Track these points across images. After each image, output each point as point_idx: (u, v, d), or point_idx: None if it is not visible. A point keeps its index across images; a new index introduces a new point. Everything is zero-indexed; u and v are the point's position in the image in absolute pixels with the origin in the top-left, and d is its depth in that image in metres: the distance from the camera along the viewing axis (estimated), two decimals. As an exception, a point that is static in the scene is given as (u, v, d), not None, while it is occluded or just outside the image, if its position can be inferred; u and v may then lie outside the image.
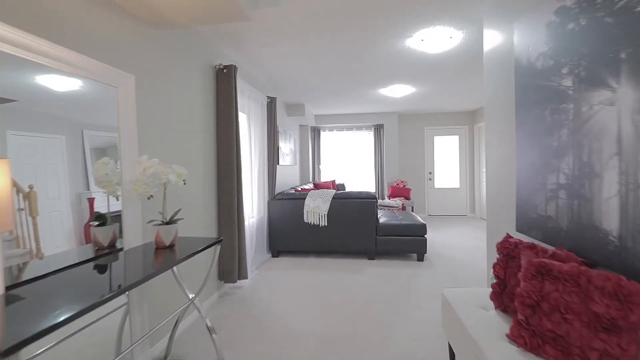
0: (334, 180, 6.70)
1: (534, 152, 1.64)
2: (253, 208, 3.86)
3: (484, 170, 5.70)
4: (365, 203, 3.97)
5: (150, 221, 1.76)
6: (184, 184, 1.87)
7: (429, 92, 5.12)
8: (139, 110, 1.92)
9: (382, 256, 4.13)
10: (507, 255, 1.55)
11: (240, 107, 3.56)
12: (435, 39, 2.87)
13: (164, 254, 1.66)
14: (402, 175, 7.39)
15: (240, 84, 3.32)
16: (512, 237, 1.62)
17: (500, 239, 2.18)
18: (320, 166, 7.38)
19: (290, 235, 4.14)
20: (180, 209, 1.86)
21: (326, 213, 3.98)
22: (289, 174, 5.90)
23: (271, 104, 4.27)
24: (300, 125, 7.16)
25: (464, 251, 4.33)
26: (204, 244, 1.82)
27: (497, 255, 1.63)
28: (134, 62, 1.92)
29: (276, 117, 4.35)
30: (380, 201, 5.90)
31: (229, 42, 2.95)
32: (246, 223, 3.38)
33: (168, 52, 2.26)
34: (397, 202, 5.65)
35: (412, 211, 6.40)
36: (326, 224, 3.99)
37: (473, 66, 3.72)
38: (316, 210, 4.00)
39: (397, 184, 6.81)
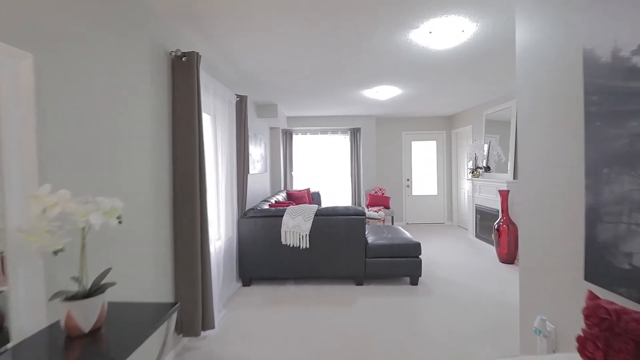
0: (309, 189, 6.13)
1: (627, 181, 1.20)
2: (220, 228, 3.18)
3: (468, 178, 5.46)
4: (352, 221, 3.44)
5: (56, 295, 1.06)
6: (120, 222, 1.20)
7: (415, 95, 4.74)
8: (42, 108, 1.22)
9: (371, 280, 3.64)
10: (608, 329, 1.09)
11: (204, 106, 2.88)
12: (445, 32, 2.42)
13: (81, 350, 0.99)
14: (380, 183, 7.01)
15: (205, 78, 2.64)
16: (600, 299, 1.17)
17: (544, 283, 1.75)
18: (292, 173, 6.77)
19: (264, 259, 3.50)
20: (109, 269, 1.19)
21: (308, 233, 3.39)
22: (259, 183, 5.23)
23: (241, 103, 3.61)
24: (271, 128, 6.50)
25: (456, 270, 3.98)
26: (152, 320, 1.17)
27: (585, 326, 1.17)
28: (35, 35, 1.21)
29: (247, 119, 3.69)
30: (360, 212, 5.44)
31: (189, 23, 2.27)
32: (211, 249, 2.70)
33: (97, 26, 1.55)
34: (380, 213, 5.22)
35: (392, 222, 6.03)
36: (308, 246, 3.41)
37: (478, 66, 3.35)
38: (296, 230, 3.40)
39: (376, 192, 6.41)
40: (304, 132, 6.90)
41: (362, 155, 6.69)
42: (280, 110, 5.48)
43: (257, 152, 5.01)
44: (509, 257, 4.20)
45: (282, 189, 6.69)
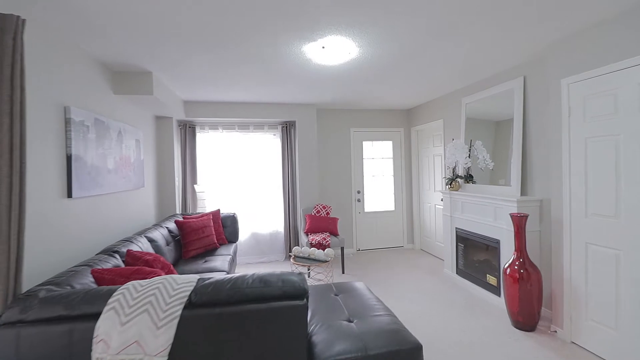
0: (218, 211, 4.01)
1: None
2: None
3: (443, 191, 3.94)
4: (277, 313, 1.49)
5: None
6: None
7: (377, 63, 2.99)
8: None
9: None
10: None
11: None
12: None
13: None
14: (324, 198, 5.18)
15: None
16: None
17: None
18: (195, 186, 4.56)
19: None
20: None
21: (166, 359, 1.34)
22: (124, 209, 2.96)
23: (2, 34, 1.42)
24: (157, 118, 4.22)
25: None
26: None
27: None
28: None
29: (21, 75, 1.51)
30: (295, 251, 3.50)
31: None
32: None
33: None
34: (328, 251, 3.35)
35: (343, 255, 4.22)
36: (166, 391, 1.35)
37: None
38: (133, 355, 1.32)
39: (318, 212, 4.56)
40: (214, 127, 4.74)
41: (299, 160, 4.79)
42: (160, 83, 3.29)
43: (109, 156, 2.75)
44: (526, 318, 2.67)
45: (179, 212, 4.44)
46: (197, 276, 1.58)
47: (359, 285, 2.43)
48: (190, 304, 1.45)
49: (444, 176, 4.52)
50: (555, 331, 2.61)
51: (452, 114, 4.25)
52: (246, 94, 4.04)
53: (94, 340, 1.33)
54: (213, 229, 3.70)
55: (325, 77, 3.33)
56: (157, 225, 3.29)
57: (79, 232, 2.30)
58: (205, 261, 3.24)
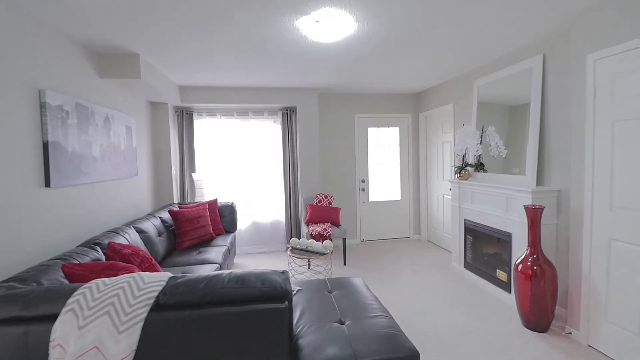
0: (215, 200, 3.88)
1: None
2: None
3: (452, 180, 3.71)
4: (258, 315, 1.33)
5: None
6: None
7: (378, 39, 2.74)
8: None
9: None
10: None
11: None
12: None
13: None
14: (326, 187, 5.00)
15: None
16: None
17: None
18: (193, 175, 4.43)
19: None
20: None
21: (128, 367, 1.20)
22: (116, 197, 2.84)
23: None
24: (152, 104, 4.07)
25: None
26: None
27: None
28: None
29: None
30: (292, 242, 3.35)
31: None
32: None
33: None
34: (327, 243, 3.19)
35: (345, 246, 4.06)
36: (130, 401, 1.22)
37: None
38: (90, 362, 1.19)
39: (319, 201, 4.39)
40: (212, 113, 4.57)
41: (300, 147, 4.60)
42: (151, 67, 3.11)
43: (91, 141, 2.62)
44: (538, 318, 2.47)
45: (177, 201, 4.34)
46: (169, 274, 1.44)
47: (357, 281, 2.27)
48: (158, 306, 1.30)
49: (453, 164, 4.27)
50: (570, 333, 2.40)
51: (463, 98, 3.96)
52: (243, 79, 3.84)
53: (51, 344, 1.21)
54: (209, 219, 3.58)
55: (325, 56, 3.10)
56: (150, 215, 3.18)
57: (60, 223, 2.19)
58: (199, 252, 3.12)
